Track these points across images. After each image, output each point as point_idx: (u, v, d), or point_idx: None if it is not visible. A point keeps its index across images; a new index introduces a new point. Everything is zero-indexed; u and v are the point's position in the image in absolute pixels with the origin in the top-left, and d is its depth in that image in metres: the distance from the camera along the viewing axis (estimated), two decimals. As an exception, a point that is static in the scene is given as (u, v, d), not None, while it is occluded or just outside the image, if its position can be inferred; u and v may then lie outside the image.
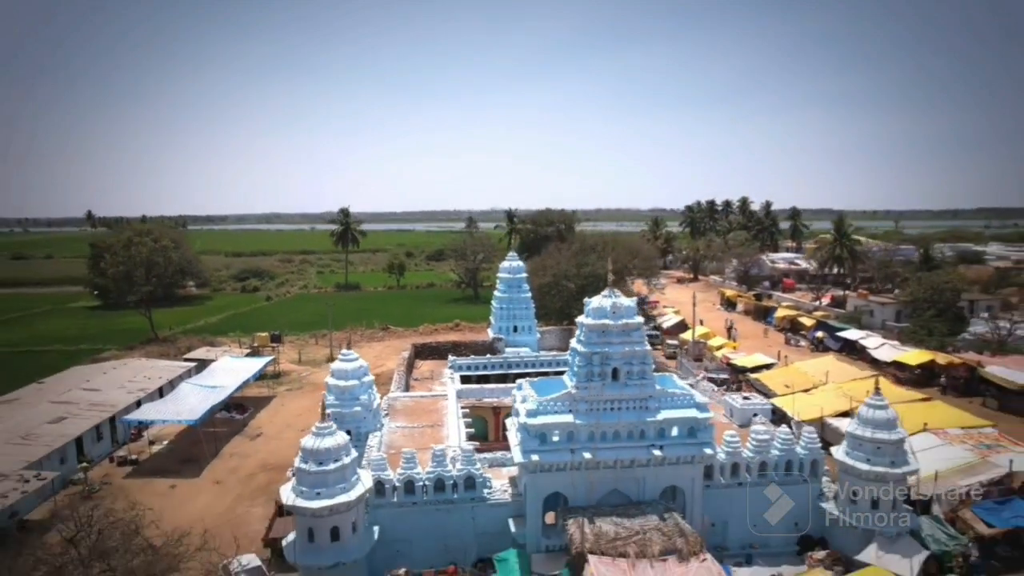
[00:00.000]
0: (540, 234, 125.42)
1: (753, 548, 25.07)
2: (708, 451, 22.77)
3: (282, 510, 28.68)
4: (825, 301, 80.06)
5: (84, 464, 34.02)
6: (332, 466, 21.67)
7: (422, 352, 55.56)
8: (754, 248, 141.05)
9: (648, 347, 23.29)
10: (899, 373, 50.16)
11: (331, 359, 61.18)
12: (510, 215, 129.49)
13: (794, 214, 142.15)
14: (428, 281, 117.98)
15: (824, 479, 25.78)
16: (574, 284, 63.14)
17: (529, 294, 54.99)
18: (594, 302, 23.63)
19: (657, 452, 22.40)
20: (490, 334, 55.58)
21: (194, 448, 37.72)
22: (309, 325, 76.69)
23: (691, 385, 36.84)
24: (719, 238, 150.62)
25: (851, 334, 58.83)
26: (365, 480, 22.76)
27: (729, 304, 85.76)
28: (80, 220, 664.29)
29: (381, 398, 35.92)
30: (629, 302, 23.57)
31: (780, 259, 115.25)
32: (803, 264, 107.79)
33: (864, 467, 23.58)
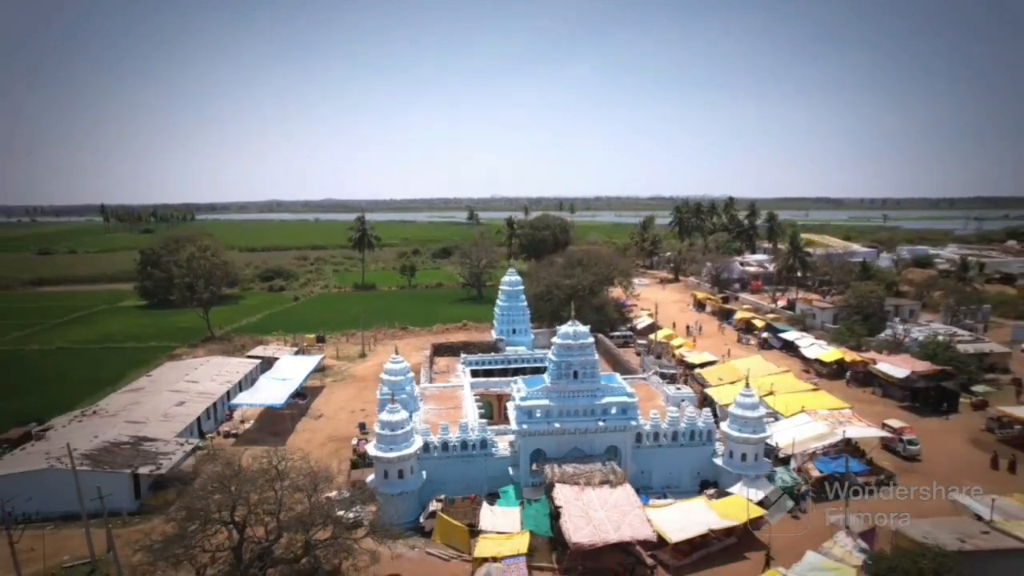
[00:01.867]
0: (537, 237, 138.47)
1: (669, 488, 38.31)
2: (633, 423, 36.08)
3: (354, 464, 42.03)
4: (781, 303, 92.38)
5: (209, 436, 47.36)
6: (399, 432, 34.90)
7: (439, 350, 68.88)
8: (733, 248, 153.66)
9: (596, 356, 36.48)
10: (819, 368, 63.35)
11: (362, 355, 74.78)
12: (510, 222, 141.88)
13: (771, 216, 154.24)
14: (437, 281, 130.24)
15: (716, 443, 38.90)
16: (563, 293, 75.95)
17: (525, 303, 68.01)
18: (562, 329, 36.75)
19: (600, 424, 35.67)
20: (493, 335, 68.73)
21: (275, 425, 50.93)
22: (337, 324, 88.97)
23: (644, 378, 50.23)
24: (703, 239, 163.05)
25: (790, 335, 71.49)
26: (417, 441, 35.97)
27: (700, 305, 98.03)
28: (85, 208, 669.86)
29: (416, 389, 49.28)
30: (584, 329, 36.69)
31: (754, 260, 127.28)
32: (771, 267, 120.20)
33: (736, 434, 36.76)
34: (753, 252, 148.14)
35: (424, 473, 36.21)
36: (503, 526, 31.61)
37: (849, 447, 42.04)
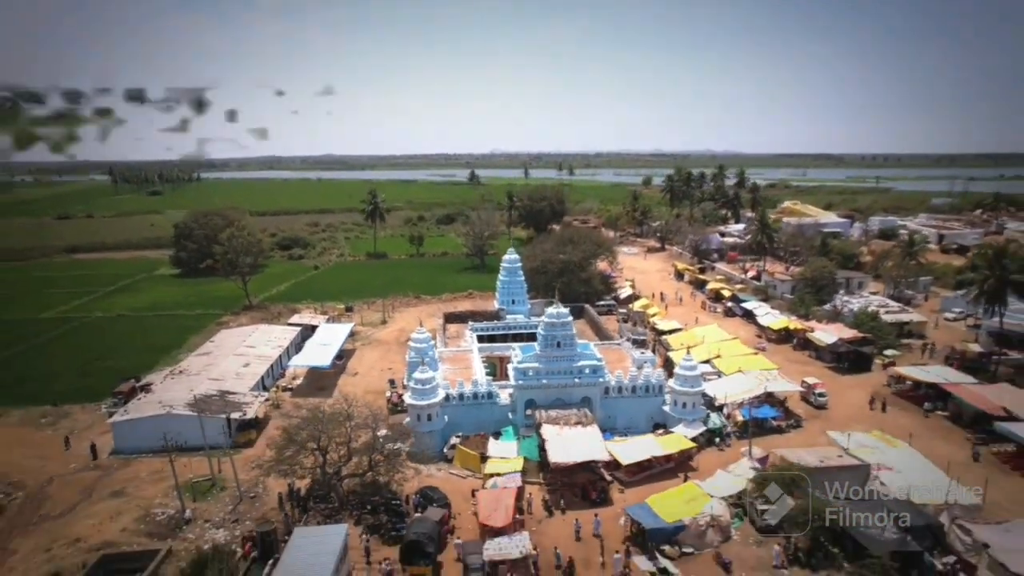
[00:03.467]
0: (535, 208, 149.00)
1: (629, 429, 50.70)
2: (601, 380, 48.51)
3: (393, 408, 54.38)
4: (750, 274, 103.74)
5: (274, 388, 59.92)
6: (428, 386, 47.12)
7: (450, 318, 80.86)
8: (719, 217, 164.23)
9: (574, 330, 48.52)
10: (770, 334, 75.39)
11: (384, 322, 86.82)
12: (509, 195, 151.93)
13: (753, 188, 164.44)
14: (443, 250, 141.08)
15: (666, 395, 51.11)
16: (555, 267, 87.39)
17: (522, 278, 79.47)
18: (549, 310, 48.86)
19: (576, 380, 48.03)
20: (496, 305, 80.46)
21: (320, 381, 63.23)
22: (356, 293, 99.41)
23: (618, 344, 62.29)
24: (690, 208, 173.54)
25: (750, 305, 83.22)
26: (441, 392, 48.21)
27: (679, 275, 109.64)
28: (88, 166, 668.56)
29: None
30: (564, 310, 48.70)
31: (735, 231, 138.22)
32: (746, 239, 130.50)
33: (680, 388, 49.06)
34: (737, 221, 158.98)
35: (446, 417, 48.56)
36: (505, 453, 44.10)
37: (772, 398, 54.49)
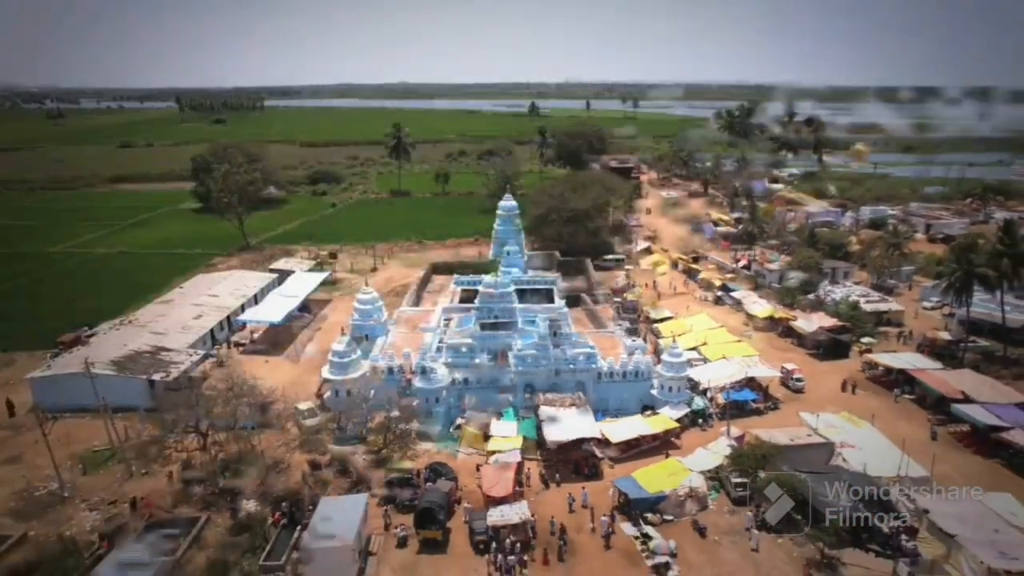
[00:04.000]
0: (571, 146, 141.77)
1: (620, 411, 53.87)
2: (593, 367, 51.83)
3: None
4: (741, 263, 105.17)
5: (218, 346, 60.50)
6: (347, 360, 48.87)
7: (439, 268, 79.45)
8: (776, 160, 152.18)
9: (571, 327, 51.67)
10: (757, 322, 78.46)
11: (374, 269, 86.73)
12: (542, 131, 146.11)
13: (817, 126, 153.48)
14: (468, 189, 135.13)
15: (654, 379, 54.39)
16: (562, 216, 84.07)
17: (519, 227, 75.51)
18: (548, 305, 51.21)
19: (571, 367, 51.34)
20: (490, 256, 77.95)
21: (278, 337, 63.16)
22: (364, 235, 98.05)
23: (612, 332, 65.29)
24: (743, 148, 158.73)
25: (738, 294, 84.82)
26: (364, 366, 49.74)
27: (674, 265, 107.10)
28: (168, 92, 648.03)
29: (394, 311, 61.74)
30: (564, 310, 51.18)
31: (787, 174, 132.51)
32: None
33: (666, 374, 52.31)
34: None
35: (372, 392, 48.36)
36: (505, 432, 47.48)
37: (753, 383, 58.22)
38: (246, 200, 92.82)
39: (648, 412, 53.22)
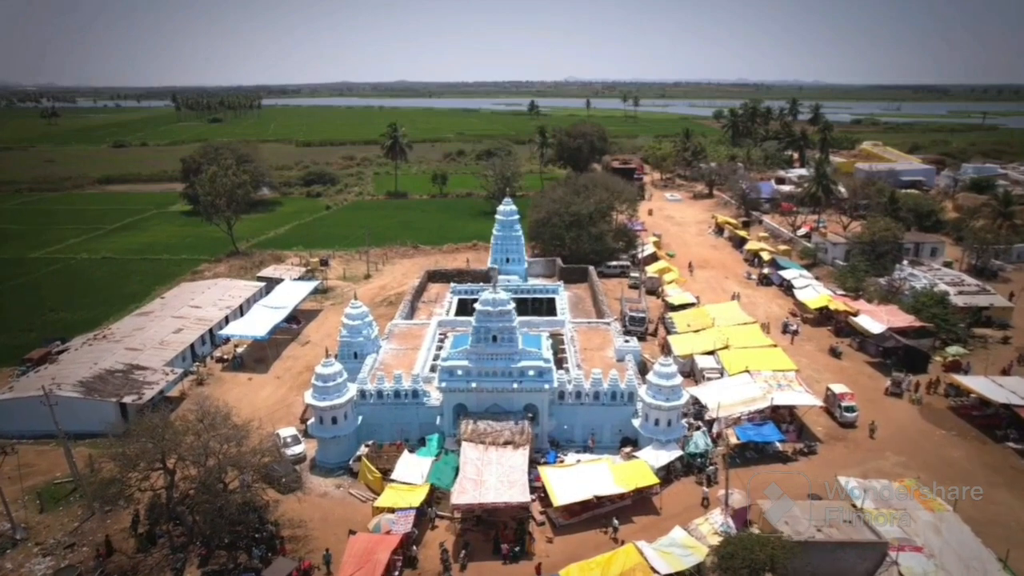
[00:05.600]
0: (572, 146, 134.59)
1: (590, 442, 40.65)
2: (547, 387, 38.18)
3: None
4: (802, 231, 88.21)
5: (197, 363, 52.85)
6: (331, 384, 38.32)
7: (434, 276, 71.52)
8: (783, 159, 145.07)
9: (515, 323, 38.13)
10: (806, 312, 62.24)
11: (367, 277, 78.37)
12: (542, 131, 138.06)
13: (825, 126, 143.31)
14: (467, 190, 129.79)
15: (639, 404, 40.35)
16: (563, 220, 75.74)
17: (519, 233, 68.64)
18: (483, 295, 38.51)
19: (515, 386, 37.96)
20: (489, 263, 70.22)
21: (263, 352, 55.71)
22: (358, 239, 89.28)
23: (607, 323, 51.48)
24: (749, 148, 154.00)
25: (788, 273, 69.39)
26: (352, 390, 39.39)
27: (719, 230, 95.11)
28: (165, 91, 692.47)
29: (386, 325, 52.57)
30: (504, 297, 38.28)
31: (795, 176, 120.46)
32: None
33: (651, 400, 38.16)
34: (803, 164, 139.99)
35: (360, 418, 39.89)
36: (411, 476, 35.14)
37: (781, 410, 42.82)
38: (235, 204, 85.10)
39: (628, 448, 39.56)
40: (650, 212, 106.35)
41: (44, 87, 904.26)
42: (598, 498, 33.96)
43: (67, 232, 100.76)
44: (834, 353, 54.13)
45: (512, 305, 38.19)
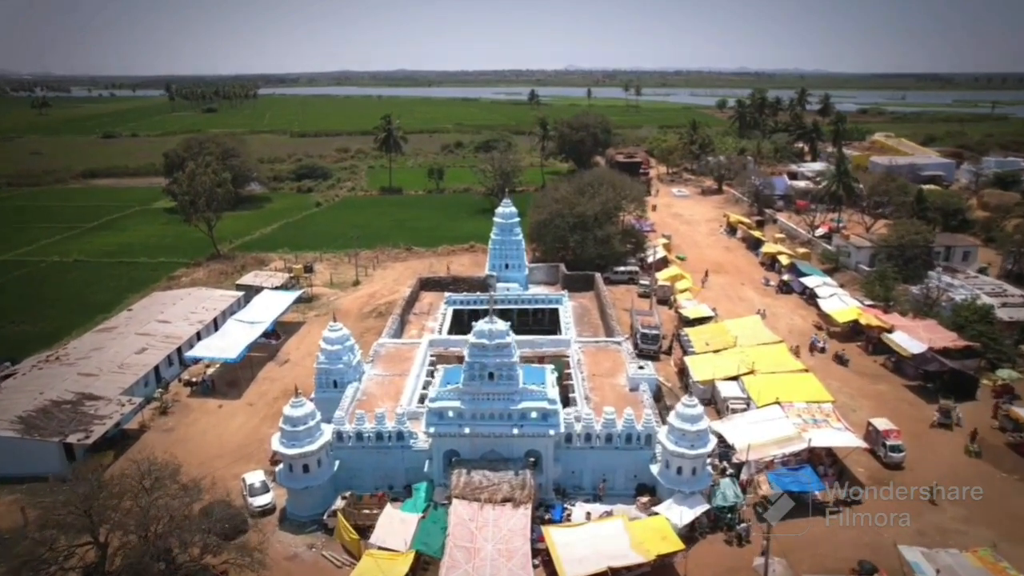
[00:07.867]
0: (574, 139, 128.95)
1: (600, 490, 35.41)
2: (552, 432, 32.78)
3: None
4: (820, 231, 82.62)
5: (160, 389, 47.47)
6: (302, 428, 33.03)
7: (427, 284, 66.11)
8: (793, 152, 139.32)
9: (514, 358, 32.65)
10: (833, 326, 56.87)
11: (356, 283, 72.80)
12: (543, 123, 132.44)
13: (837, 117, 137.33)
14: (465, 185, 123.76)
15: (658, 447, 35.08)
16: (567, 222, 70.20)
17: (520, 237, 63.54)
18: (478, 327, 32.96)
19: (515, 431, 32.62)
20: (486, 270, 64.90)
21: (238, 373, 50.28)
22: (347, 241, 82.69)
23: (618, 343, 46.11)
24: (759, 141, 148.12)
25: (811, 280, 63.88)
26: (327, 433, 34.12)
27: (731, 230, 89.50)
28: (160, 80, 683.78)
29: (371, 345, 47.10)
30: (503, 327, 32.67)
31: (810, 171, 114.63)
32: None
33: (672, 447, 32.84)
34: (815, 158, 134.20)
35: (336, 463, 34.66)
36: (392, 541, 29.91)
37: (819, 450, 37.55)
38: (215, 204, 79.29)
39: (646, 498, 34.32)
40: (654, 208, 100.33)
41: (40, 76, 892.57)
42: (608, 571, 28.69)
43: (40, 232, 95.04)
44: (840, 360, 49.88)
45: (511, 338, 32.70)
